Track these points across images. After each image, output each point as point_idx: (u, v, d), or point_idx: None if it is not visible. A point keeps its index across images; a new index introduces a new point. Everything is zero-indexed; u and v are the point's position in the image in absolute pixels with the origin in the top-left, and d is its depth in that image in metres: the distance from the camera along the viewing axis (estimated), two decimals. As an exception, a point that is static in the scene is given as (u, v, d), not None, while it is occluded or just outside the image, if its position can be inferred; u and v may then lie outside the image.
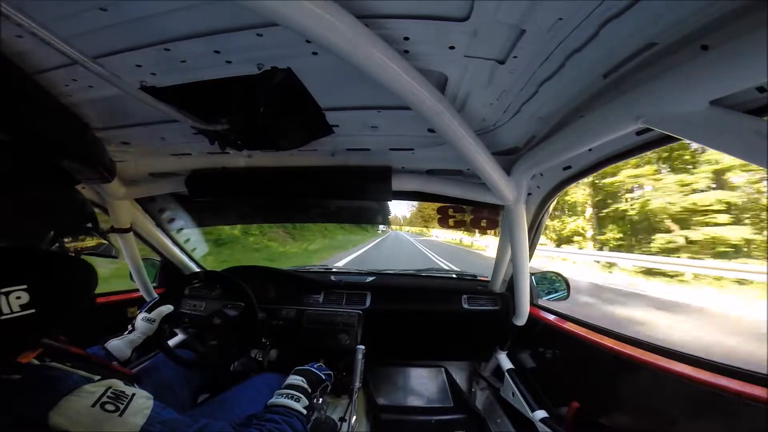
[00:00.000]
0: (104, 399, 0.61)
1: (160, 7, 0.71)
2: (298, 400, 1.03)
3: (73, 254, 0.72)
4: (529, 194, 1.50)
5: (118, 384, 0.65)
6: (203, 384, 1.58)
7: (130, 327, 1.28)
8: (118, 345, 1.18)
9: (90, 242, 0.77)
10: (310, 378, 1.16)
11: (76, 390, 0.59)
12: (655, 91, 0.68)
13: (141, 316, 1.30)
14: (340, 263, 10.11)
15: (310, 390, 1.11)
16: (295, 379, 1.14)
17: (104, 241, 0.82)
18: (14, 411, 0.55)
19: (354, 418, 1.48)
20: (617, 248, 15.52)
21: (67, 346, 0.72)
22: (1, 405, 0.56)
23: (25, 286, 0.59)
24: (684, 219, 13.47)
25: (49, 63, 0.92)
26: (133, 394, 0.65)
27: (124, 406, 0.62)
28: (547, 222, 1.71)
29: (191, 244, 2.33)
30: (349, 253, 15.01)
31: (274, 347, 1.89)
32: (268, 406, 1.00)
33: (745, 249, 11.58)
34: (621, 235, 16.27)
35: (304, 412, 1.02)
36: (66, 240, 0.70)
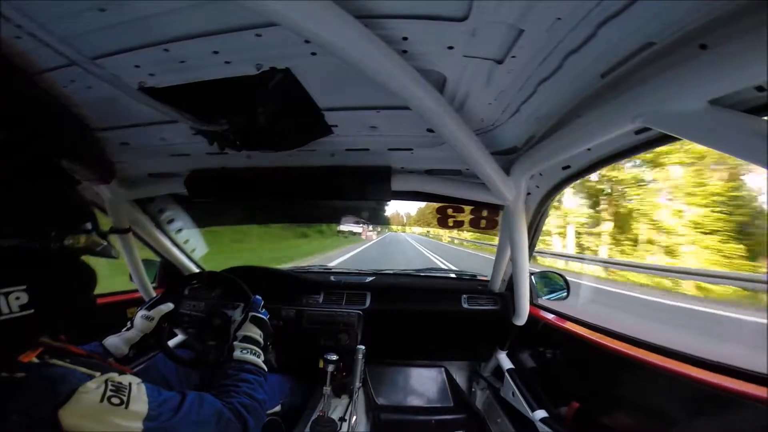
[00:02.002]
0: (109, 393, 0.63)
1: (158, 8, 0.71)
2: (258, 355, 1.14)
3: (73, 254, 0.72)
4: (528, 194, 1.50)
5: (114, 376, 0.67)
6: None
7: (128, 324, 1.28)
8: (116, 342, 1.18)
9: (89, 242, 0.78)
10: (265, 332, 1.25)
11: (81, 387, 0.60)
12: (653, 90, 0.68)
13: (140, 314, 1.29)
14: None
15: (263, 343, 1.21)
16: (253, 332, 1.21)
17: (103, 242, 0.82)
18: (20, 409, 0.56)
19: (354, 418, 1.48)
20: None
21: (66, 346, 0.73)
22: (6, 403, 0.56)
23: (24, 287, 0.59)
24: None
25: (48, 64, 0.92)
26: (130, 383, 0.68)
27: (127, 397, 0.64)
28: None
29: (190, 245, 2.32)
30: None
31: (274, 347, 1.89)
32: (238, 360, 1.09)
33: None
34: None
35: (265, 368, 1.13)
36: (65, 240, 0.70)
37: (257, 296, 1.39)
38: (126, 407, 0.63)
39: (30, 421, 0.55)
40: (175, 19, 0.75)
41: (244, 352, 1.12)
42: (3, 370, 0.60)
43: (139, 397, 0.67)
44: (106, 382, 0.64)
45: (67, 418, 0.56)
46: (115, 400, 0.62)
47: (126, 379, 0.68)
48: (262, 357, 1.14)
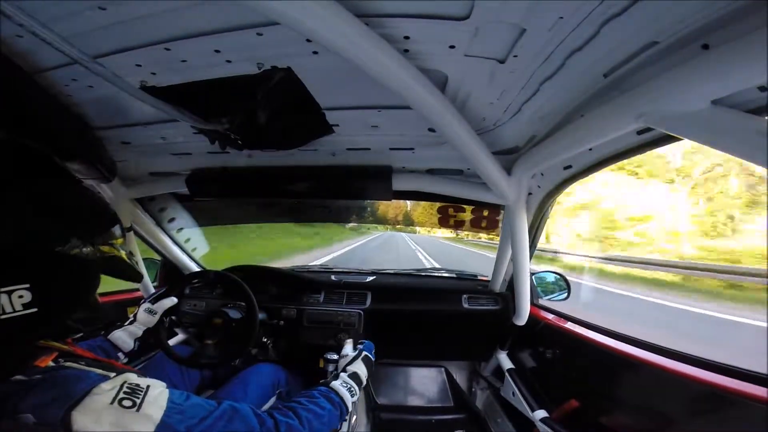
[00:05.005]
0: (121, 395, 0.60)
1: (160, 7, 0.71)
2: (354, 395, 1.07)
3: (76, 254, 0.72)
4: (530, 194, 1.50)
5: (132, 377, 0.65)
6: (203, 381, 1.58)
7: (131, 317, 1.27)
8: (121, 336, 1.18)
9: (117, 251, 0.78)
10: (370, 373, 1.21)
11: (95, 388, 0.59)
12: (656, 90, 0.67)
13: (143, 307, 1.29)
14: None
15: (364, 384, 1.16)
16: (362, 371, 1.18)
17: (128, 260, 0.82)
18: (35, 410, 0.55)
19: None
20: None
21: (74, 348, 0.72)
22: (22, 405, 0.56)
23: (27, 285, 0.59)
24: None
25: (49, 62, 0.92)
26: (148, 386, 0.65)
27: (140, 400, 0.62)
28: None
29: (191, 244, 2.33)
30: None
31: (275, 346, 1.89)
32: (332, 388, 1.04)
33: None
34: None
35: (350, 408, 1.04)
36: (92, 244, 0.71)
37: (369, 342, 1.38)
38: (137, 410, 0.60)
39: (44, 422, 0.55)
40: (176, 19, 0.74)
41: (344, 386, 1.07)
42: (19, 373, 0.60)
43: (156, 402, 0.63)
44: (122, 384, 0.62)
45: (79, 419, 0.55)
46: (127, 403, 0.60)
47: (145, 381, 0.66)
48: (357, 396, 1.10)
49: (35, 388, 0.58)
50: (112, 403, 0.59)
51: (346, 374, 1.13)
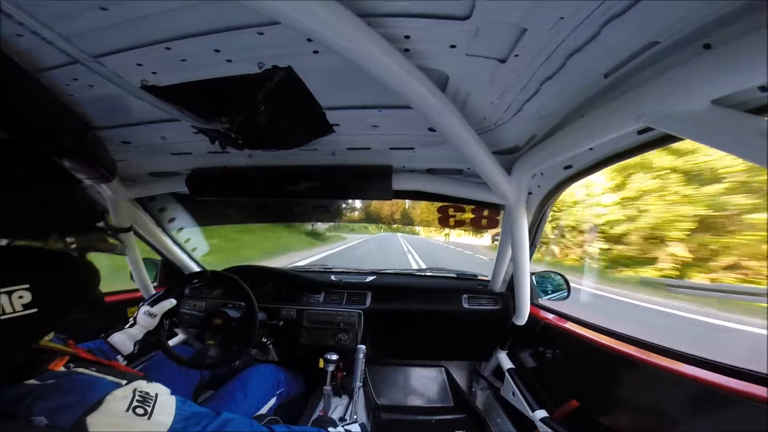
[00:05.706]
0: (135, 403, 0.62)
1: (160, 6, 0.71)
2: None
3: (77, 254, 0.72)
4: (530, 193, 1.50)
5: (142, 384, 0.67)
6: (204, 379, 1.58)
7: (131, 320, 1.28)
8: (121, 339, 1.18)
9: (102, 242, 0.78)
10: None
11: (109, 396, 0.61)
12: (656, 90, 0.68)
13: (143, 310, 1.29)
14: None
15: None
16: None
17: (117, 241, 0.82)
18: (49, 414, 0.56)
19: (354, 417, 1.48)
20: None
21: (76, 350, 0.73)
22: (36, 408, 0.56)
23: (27, 286, 0.59)
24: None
25: (50, 62, 0.92)
26: (156, 394, 0.67)
27: (151, 408, 0.64)
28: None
29: (191, 244, 2.33)
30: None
31: (275, 347, 1.89)
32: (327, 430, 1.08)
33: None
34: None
35: None
36: (78, 239, 0.71)
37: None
38: (149, 418, 0.62)
39: (57, 426, 0.56)
40: (177, 18, 0.75)
41: None
42: (33, 377, 0.61)
43: (165, 410, 0.66)
44: (134, 391, 0.64)
45: (94, 425, 0.56)
46: (140, 411, 0.62)
47: (153, 388, 0.68)
48: None
49: (49, 393, 0.59)
50: (127, 410, 0.61)
51: (342, 426, 1.15)
